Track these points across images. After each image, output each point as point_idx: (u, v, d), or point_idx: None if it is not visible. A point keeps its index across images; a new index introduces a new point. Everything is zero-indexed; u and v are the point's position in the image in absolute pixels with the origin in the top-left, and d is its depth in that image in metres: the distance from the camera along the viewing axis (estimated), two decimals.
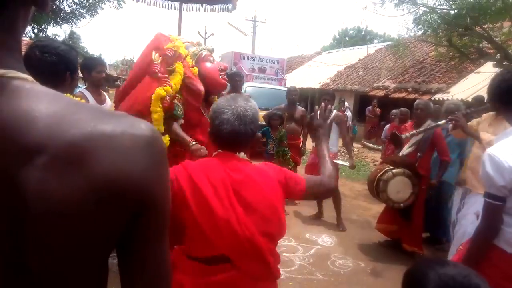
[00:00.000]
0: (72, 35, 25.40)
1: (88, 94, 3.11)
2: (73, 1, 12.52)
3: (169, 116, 2.83)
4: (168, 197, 0.62)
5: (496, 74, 2.29)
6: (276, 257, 1.45)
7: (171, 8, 4.18)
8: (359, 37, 34.99)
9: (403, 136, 3.85)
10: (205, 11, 4.18)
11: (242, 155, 1.45)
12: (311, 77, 19.02)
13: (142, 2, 4.10)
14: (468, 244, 1.90)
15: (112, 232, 0.56)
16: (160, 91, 2.70)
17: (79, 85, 3.37)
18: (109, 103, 3.34)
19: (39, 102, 0.51)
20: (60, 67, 1.74)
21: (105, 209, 0.52)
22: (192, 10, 4.17)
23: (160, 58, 2.81)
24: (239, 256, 1.35)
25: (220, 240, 1.33)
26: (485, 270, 1.88)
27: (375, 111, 12.84)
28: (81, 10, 12.82)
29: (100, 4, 12.69)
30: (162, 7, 4.16)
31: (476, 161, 3.22)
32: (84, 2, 12.66)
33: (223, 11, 4.21)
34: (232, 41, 47.93)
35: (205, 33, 34.96)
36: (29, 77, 0.53)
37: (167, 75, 2.79)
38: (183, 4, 4.04)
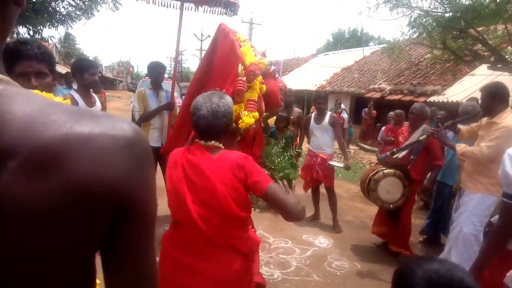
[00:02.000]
0: (67, 36, 25.33)
1: (77, 96, 3.07)
2: (69, 3, 12.48)
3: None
4: (152, 200, 0.60)
5: None
6: (238, 229, 1.73)
7: (170, 7, 4.13)
8: (354, 40, 35.14)
9: (383, 155, 4.01)
10: (204, 12, 4.14)
11: (212, 143, 1.73)
12: (307, 79, 19.05)
13: (141, 0, 4.04)
14: (484, 243, 1.89)
15: (91, 237, 0.54)
16: (248, 119, 2.48)
17: (73, 86, 3.35)
18: (98, 105, 3.32)
19: (12, 103, 0.49)
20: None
21: (82, 214, 0.50)
22: (192, 9, 4.11)
23: (243, 73, 2.61)
24: (183, 221, 1.71)
25: (173, 208, 1.77)
26: (493, 274, 1.87)
27: (371, 113, 12.89)
28: (77, 12, 12.77)
29: (96, 6, 12.66)
30: (162, 5, 4.11)
31: (468, 162, 3.28)
32: (80, 4, 12.62)
33: (223, 15, 4.18)
34: None
35: (202, 35, 35.00)
36: (5, 77, 0.51)
37: (254, 100, 2.59)
38: (184, 3, 3.99)
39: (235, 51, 2.74)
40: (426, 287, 0.91)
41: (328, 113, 5.04)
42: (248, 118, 2.50)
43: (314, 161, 4.99)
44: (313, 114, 5.23)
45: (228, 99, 1.78)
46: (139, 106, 4.24)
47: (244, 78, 2.63)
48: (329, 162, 4.86)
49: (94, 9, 12.72)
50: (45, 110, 0.50)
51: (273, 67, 2.95)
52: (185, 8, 4.02)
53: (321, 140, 4.99)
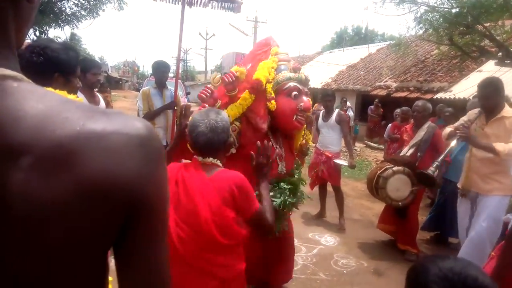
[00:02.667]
0: (73, 37, 25.48)
1: (81, 96, 3.11)
2: (74, 3, 12.56)
3: None
4: (165, 198, 0.60)
5: None
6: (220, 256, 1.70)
7: (176, 3, 4.13)
8: (359, 37, 34.96)
9: (430, 170, 3.40)
10: (212, 8, 4.15)
11: (210, 160, 1.73)
12: (312, 77, 18.85)
13: None
14: (502, 247, 1.87)
15: (104, 234, 0.53)
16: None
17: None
18: (102, 105, 3.35)
19: (26, 100, 0.49)
20: (45, 67, 1.71)
21: (95, 211, 0.50)
22: (199, 5, 4.10)
23: (219, 80, 2.56)
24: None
25: None
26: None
27: (377, 110, 12.79)
28: (82, 12, 12.85)
29: (101, 6, 12.72)
30: (168, 2, 4.12)
31: (481, 163, 3.18)
32: (85, 4, 12.69)
33: (228, 11, 4.18)
34: (233, 41, 47.85)
35: (207, 34, 35.10)
36: (18, 75, 0.51)
37: (215, 105, 2.46)
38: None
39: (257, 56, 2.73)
40: (440, 284, 0.91)
41: (336, 111, 4.99)
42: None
43: (320, 159, 4.97)
44: (321, 112, 5.19)
45: (224, 114, 1.81)
46: (143, 105, 4.27)
47: (217, 85, 2.56)
48: (334, 160, 4.83)
49: (100, 9, 12.80)
50: (58, 108, 0.50)
51: (292, 84, 2.57)
52: (192, 4, 4.02)
53: (327, 138, 4.96)
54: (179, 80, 4.76)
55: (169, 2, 4.12)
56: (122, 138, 0.52)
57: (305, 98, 2.62)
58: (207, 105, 2.43)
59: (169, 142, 4.18)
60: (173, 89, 4.38)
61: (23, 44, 0.60)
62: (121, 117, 0.55)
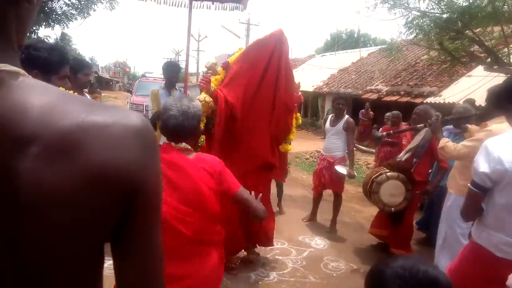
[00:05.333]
0: (64, 36, 25.23)
1: None
2: (65, 2, 12.43)
3: None
4: (159, 185, 0.63)
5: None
6: (198, 227, 1.72)
7: (180, 6, 4.13)
8: (352, 40, 35.19)
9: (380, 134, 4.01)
10: (216, 9, 4.15)
11: (183, 145, 1.75)
12: (304, 80, 18.99)
13: (151, 0, 4.06)
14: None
15: (106, 220, 0.56)
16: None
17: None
18: None
19: (31, 94, 0.52)
20: (24, 64, 1.75)
21: (98, 197, 0.53)
22: (203, 8, 4.11)
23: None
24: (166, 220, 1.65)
25: None
26: (471, 269, 1.96)
27: (368, 114, 12.88)
28: (73, 12, 12.72)
29: (93, 6, 12.62)
30: (172, 5, 4.13)
31: (456, 164, 3.30)
32: (76, 3, 12.57)
33: (234, 10, 4.19)
34: (225, 43, 47.85)
35: (199, 36, 35.00)
36: (21, 71, 0.54)
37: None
38: (193, 1, 3.99)
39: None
40: (394, 283, 0.97)
41: (345, 117, 4.79)
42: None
43: (323, 165, 4.90)
44: (330, 116, 5.06)
45: (198, 103, 1.88)
46: (152, 105, 4.36)
47: None
48: (335, 167, 4.70)
49: (90, 9, 12.69)
50: (61, 100, 0.54)
51: None
52: (195, 7, 4.03)
53: (332, 143, 4.83)
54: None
55: (174, 5, 4.14)
56: (121, 129, 0.55)
57: None
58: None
59: None
60: (183, 89, 4.44)
61: (24, 42, 0.62)
62: (119, 111, 0.58)
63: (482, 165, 1.81)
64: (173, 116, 1.72)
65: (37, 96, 0.52)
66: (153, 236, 0.63)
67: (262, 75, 3.15)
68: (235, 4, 4.05)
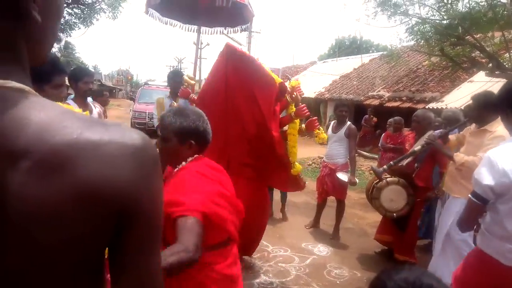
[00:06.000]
0: (67, 45, 25.45)
1: (73, 104, 3.09)
2: (68, 11, 12.55)
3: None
4: (159, 208, 0.62)
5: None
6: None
7: (190, 31, 4.25)
8: (355, 46, 35.26)
9: (381, 169, 3.80)
10: (228, 33, 4.27)
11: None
12: (306, 86, 19.03)
13: (165, 23, 4.18)
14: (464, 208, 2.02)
15: (97, 237, 0.56)
16: (323, 135, 3.49)
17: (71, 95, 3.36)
18: (95, 114, 3.34)
19: (30, 110, 0.53)
20: None
21: (89, 214, 0.53)
22: (213, 33, 4.24)
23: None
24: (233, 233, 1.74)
25: (226, 224, 1.74)
26: (477, 278, 1.94)
27: (370, 120, 12.87)
28: (76, 21, 12.85)
29: (95, 15, 12.74)
30: (183, 29, 4.24)
31: (453, 166, 3.29)
32: (79, 13, 12.71)
33: (244, 31, 4.33)
34: None
35: (201, 44, 35.19)
36: (26, 88, 0.55)
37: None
38: (204, 27, 4.12)
39: (266, 72, 3.16)
40: None
41: (347, 124, 4.80)
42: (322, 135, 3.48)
43: (325, 172, 4.89)
44: (332, 122, 5.07)
45: None
46: (158, 113, 4.40)
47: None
48: (336, 174, 4.69)
49: (93, 18, 12.81)
50: (59, 118, 0.54)
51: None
52: (206, 32, 4.14)
53: (334, 149, 4.83)
54: None
55: (186, 30, 4.25)
56: (117, 147, 0.55)
57: None
58: None
59: None
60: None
61: (44, 60, 0.65)
62: (118, 128, 0.58)
63: (486, 177, 1.76)
64: (210, 129, 1.75)
65: (36, 112, 0.53)
66: (151, 258, 0.62)
67: (216, 82, 3.35)
68: (244, 26, 4.16)
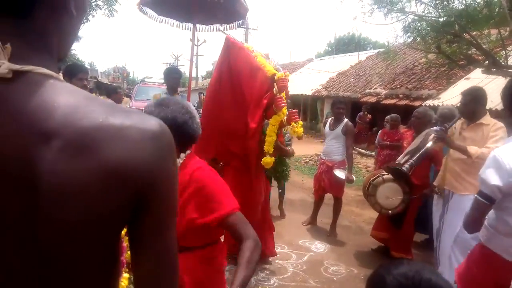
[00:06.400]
0: None
1: None
2: None
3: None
4: (174, 189, 0.67)
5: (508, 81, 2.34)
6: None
7: (185, 29, 4.26)
8: (354, 44, 35.20)
9: (405, 168, 3.70)
10: (224, 30, 4.28)
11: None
12: (303, 83, 19.10)
13: (159, 22, 4.18)
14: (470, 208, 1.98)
15: (118, 214, 0.60)
16: (298, 128, 3.18)
17: None
18: None
19: (59, 94, 0.57)
20: None
21: (111, 192, 0.57)
22: (209, 30, 4.26)
23: (277, 90, 3.11)
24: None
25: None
26: (480, 274, 1.93)
27: (365, 117, 12.90)
28: None
29: (91, 12, 12.67)
30: (178, 27, 4.25)
31: (454, 163, 3.27)
32: None
33: (238, 28, 4.34)
34: None
35: (197, 41, 35.07)
36: (54, 74, 0.60)
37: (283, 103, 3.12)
38: (199, 25, 4.13)
39: (254, 64, 3.22)
40: None
41: (345, 121, 4.81)
42: (280, 116, 3.13)
43: (322, 169, 4.91)
44: (329, 119, 5.08)
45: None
46: None
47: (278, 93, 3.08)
48: (333, 171, 4.69)
49: (90, 15, 12.73)
50: (85, 102, 0.59)
51: (280, 74, 3.23)
52: (202, 30, 4.16)
53: (331, 147, 4.83)
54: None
55: (182, 28, 4.26)
56: (137, 131, 0.60)
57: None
58: None
59: None
60: (185, 95, 4.51)
61: (67, 54, 0.69)
62: (138, 115, 0.63)
63: (493, 177, 1.73)
64: (199, 124, 1.65)
65: (64, 96, 0.58)
66: (167, 233, 0.67)
67: (219, 74, 3.53)
68: (240, 22, 4.18)
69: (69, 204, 0.55)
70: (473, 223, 1.92)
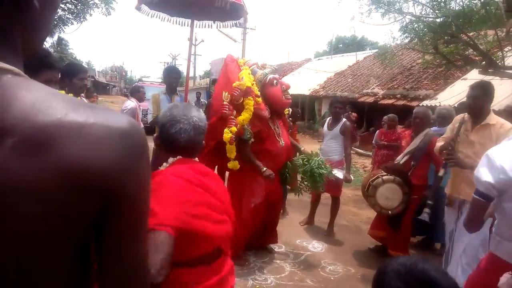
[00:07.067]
0: (60, 41, 25.20)
1: None
2: (61, 7, 12.41)
3: (240, 141, 3.53)
4: (145, 193, 0.62)
5: None
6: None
7: (183, 25, 4.27)
8: (354, 44, 35.22)
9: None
10: (217, 27, 4.30)
11: (196, 159, 1.59)
12: (301, 83, 19.12)
13: (155, 17, 4.19)
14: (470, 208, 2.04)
15: (80, 218, 0.56)
16: (226, 134, 3.41)
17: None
18: None
19: (17, 90, 0.54)
20: None
21: (70, 195, 0.53)
22: (205, 27, 4.27)
23: (229, 96, 3.48)
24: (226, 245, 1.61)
25: (216, 231, 1.56)
26: (489, 281, 1.92)
27: (350, 116, 12.87)
28: (69, 16, 12.72)
29: (89, 11, 12.61)
30: (175, 23, 4.26)
31: (470, 172, 3.12)
32: (72, 8, 12.57)
33: (234, 27, 4.35)
34: (222, 47, 48.03)
35: (195, 40, 35.06)
36: (15, 69, 0.56)
37: (232, 116, 3.46)
38: (197, 21, 4.14)
39: (227, 76, 3.66)
40: (396, 279, 0.99)
41: (343, 121, 4.83)
42: (226, 133, 3.40)
43: None
44: (327, 119, 5.09)
45: (203, 114, 1.63)
46: (153, 109, 4.47)
47: (228, 101, 3.46)
48: (332, 171, 4.73)
49: (87, 13, 12.68)
50: (46, 98, 0.55)
51: (270, 76, 3.75)
52: (198, 26, 4.18)
53: (329, 146, 4.84)
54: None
55: (180, 25, 4.27)
56: (102, 129, 0.55)
57: (283, 81, 3.85)
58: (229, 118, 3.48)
59: None
60: (183, 95, 4.51)
61: (37, 49, 0.65)
62: (105, 112, 0.58)
63: (485, 174, 1.77)
64: (185, 130, 1.49)
65: (23, 92, 0.54)
66: (135, 242, 0.62)
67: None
68: (235, 22, 4.20)
69: (20, 205, 0.51)
70: (472, 221, 1.96)
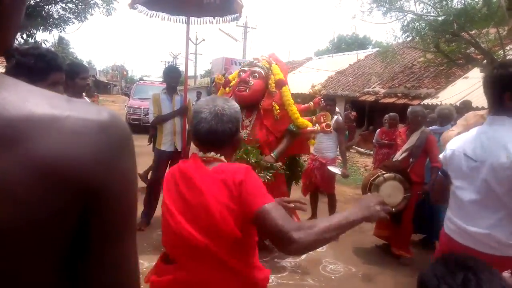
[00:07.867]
0: (61, 40, 25.24)
1: None
2: (62, 6, 12.44)
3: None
4: (130, 190, 0.58)
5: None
6: (242, 257, 1.39)
7: (180, 22, 4.28)
8: (356, 43, 35.22)
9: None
10: (217, 22, 4.31)
11: (211, 154, 1.43)
12: (302, 82, 19.08)
13: (151, 16, 4.20)
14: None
15: (59, 220, 0.51)
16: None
17: None
18: None
19: None
20: (15, 70, 1.81)
21: (46, 194, 0.49)
22: (202, 23, 4.27)
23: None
24: (178, 254, 1.41)
25: (164, 236, 1.47)
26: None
27: (350, 114, 12.87)
28: (70, 16, 12.74)
29: (90, 10, 12.63)
30: (171, 21, 4.26)
31: None
32: (73, 8, 12.59)
33: (231, 22, 4.39)
34: (223, 46, 48.05)
35: (196, 39, 35.06)
36: None
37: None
38: (193, 18, 4.14)
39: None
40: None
41: (335, 118, 4.83)
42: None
43: (314, 165, 4.92)
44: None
45: (234, 103, 1.50)
46: (153, 109, 4.46)
47: None
48: (328, 167, 4.73)
49: (88, 13, 12.70)
50: (21, 93, 0.51)
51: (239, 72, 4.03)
52: (194, 23, 4.17)
53: (323, 144, 4.86)
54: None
55: (175, 22, 4.28)
56: (79, 122, 0.52)
57: (242, 74, 3.90)
58: None
59: (179, 148, 4.47)
60: (184, 94, 4.56)
61: (9, 45, 0.60)
62: (84, 105, 0.55)
63: (442, 154, 2.14)
64: (205, 120, 1.40)
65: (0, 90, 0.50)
66: (122, 244, 0.58)
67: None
68: (233, 16, 4.22)
69: None
70: (434, 192, 2.39)
